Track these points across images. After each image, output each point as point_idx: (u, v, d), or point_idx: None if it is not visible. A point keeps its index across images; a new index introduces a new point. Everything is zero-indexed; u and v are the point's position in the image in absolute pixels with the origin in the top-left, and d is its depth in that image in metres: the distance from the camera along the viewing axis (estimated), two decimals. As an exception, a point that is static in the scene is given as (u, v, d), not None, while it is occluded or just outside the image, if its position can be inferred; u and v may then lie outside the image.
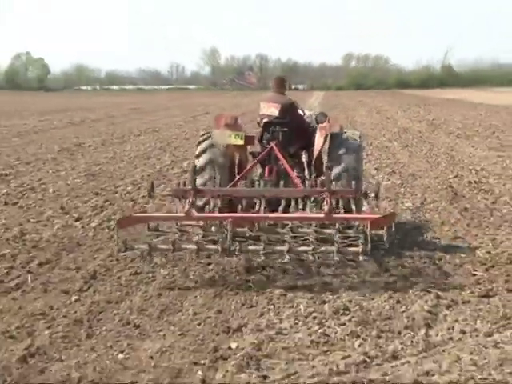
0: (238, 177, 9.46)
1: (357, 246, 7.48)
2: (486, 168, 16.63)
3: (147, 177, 15.91)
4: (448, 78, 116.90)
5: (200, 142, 9.67)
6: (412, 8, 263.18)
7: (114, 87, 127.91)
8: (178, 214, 8.14)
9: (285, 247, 7.48)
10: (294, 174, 9.36)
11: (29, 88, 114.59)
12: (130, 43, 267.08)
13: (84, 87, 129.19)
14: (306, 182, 9.43)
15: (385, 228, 7.53)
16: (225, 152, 9.52)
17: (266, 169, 9.63)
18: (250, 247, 7.61)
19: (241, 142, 9.48)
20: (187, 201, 8.28)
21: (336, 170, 9.14)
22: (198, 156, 9.59)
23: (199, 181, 9.06)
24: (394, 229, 7.78)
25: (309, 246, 7.55)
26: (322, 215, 7.92)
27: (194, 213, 8.06)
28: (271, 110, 9.81)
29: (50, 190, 14.01)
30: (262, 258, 7.55)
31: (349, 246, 7.57)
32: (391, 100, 61.84)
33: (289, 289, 7.39)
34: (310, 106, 43.85)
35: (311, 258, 7.53)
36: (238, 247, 7.50)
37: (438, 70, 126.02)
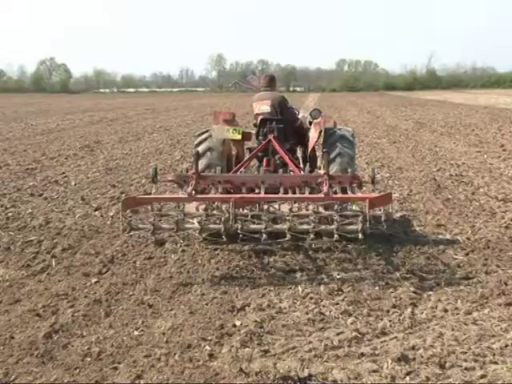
0: (236, 167, 9.11)
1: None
2: (466, 162, 16.59)
3: (159, 171, 15.88)
4: (431, 81, 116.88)
5: (199, 135, 9.45)
6: (397, 18, 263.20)
7: (130, 90, 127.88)
8: (181, 196, 7.76)
9: (286, 226, 7.07)
10: (292, 164, 8.96)
11: (53, 91, 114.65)
12: (145, 49, 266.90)
13: (102, 90, 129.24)
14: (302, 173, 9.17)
15: (382, 209, 7.25)
16: (222, 143, 9.24)
17: (264, 160, 9.22)
18: (252, 226, 7.23)
19: (238, 137, 9.17)
20: (190, 183, 8.02)
21: (331, 155, 8.74)
22: (197, 145, 9.29)
23: (199, 166, 8.73)
24: (392, 210, 7.49)
25: (309, 224, 7.11)
26: (321, 195, 7.47)
27: (197, 194, 7.76)
28: (263, 107, 9.50)
29: (72, 183, 14.01)
30: (264, 236, 7.06)
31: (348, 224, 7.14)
32: (380, 101, 61.71)
33: (288, 272, 7.38)
34: (307, 105, 43.78)
35: (312, 236, 7.04)
36: (240, 226, 7.13)
37: (422, 74, 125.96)
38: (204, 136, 9.35)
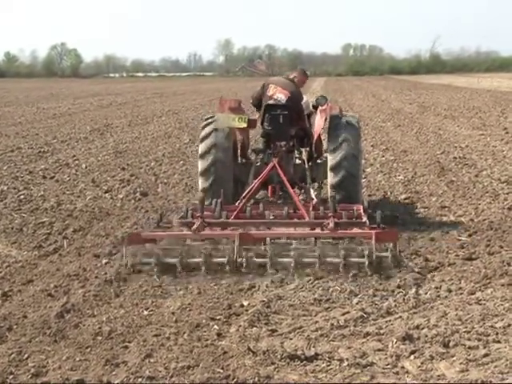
0: (243, 200, 8.37)
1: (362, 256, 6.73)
2: (469, 145, 16.55)
3: (168, 154, 15.90)
4: (435, 65, 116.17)
5: (204, 127, 8.94)
6: (402, 2, 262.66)
7: (139, 74, 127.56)
8: (187, 232, 7.48)
9: (291, 259, 6.72)
10: (297, 197, 8.51)
11: (63, 76, 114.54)
12: (154, 34, 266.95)
13: (112, 74, 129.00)
14: (310, 190, 8.86)
15: (388, 250, 6.83)
16: (228, 134, 8.82)
17: (269, 188, 8.83)
18: (257, 260, 6.84)
19: (244, 125, 8.76)
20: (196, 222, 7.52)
21: (335, 146, 8.56)
22: (202, 139, 8.85)
23: (203, 164, 8.61)
24: (398, 250, 6.95)
25: (314, 256, 6.78)
26: (326, 231, 7.35)
27: (202, 231, 7.43)
28: (279, 95, 8.86)
29: (83, 166, 14.03)
30: (270, 271, 6.69)
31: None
32: (385, 85, 61.43)
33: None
34: (313, 90, 43.66)
35: (317, 269, 6.65)
36: (244, 260, 6.75)
37: (426, 58, 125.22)
38: (208, 130, 8.86)
